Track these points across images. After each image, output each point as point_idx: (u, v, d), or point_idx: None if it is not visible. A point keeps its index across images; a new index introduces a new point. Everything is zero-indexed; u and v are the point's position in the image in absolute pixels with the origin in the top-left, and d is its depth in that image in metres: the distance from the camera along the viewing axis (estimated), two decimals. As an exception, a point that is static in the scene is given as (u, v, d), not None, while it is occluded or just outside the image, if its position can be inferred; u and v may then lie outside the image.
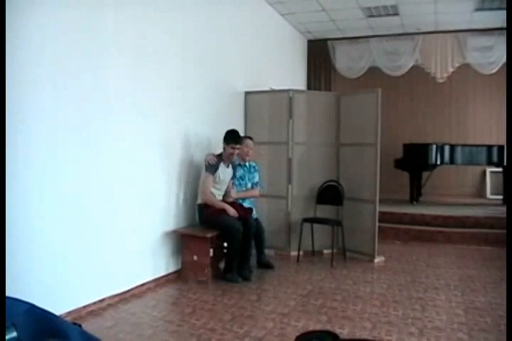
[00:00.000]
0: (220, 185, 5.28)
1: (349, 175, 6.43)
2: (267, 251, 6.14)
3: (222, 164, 5.23)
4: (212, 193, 5.19)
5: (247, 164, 5.76)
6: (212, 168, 5.14)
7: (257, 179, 5.82)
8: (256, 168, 5.85)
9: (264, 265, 5.59)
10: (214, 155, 5.26)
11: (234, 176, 5.51)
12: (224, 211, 5.06)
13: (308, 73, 10.18)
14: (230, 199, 5.38)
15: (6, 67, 3.02)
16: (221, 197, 5.34)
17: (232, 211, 5.09)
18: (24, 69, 3.34)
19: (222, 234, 5.08)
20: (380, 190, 6.06)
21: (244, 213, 5.22)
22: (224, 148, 5.28)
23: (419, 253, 6.63)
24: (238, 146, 5.27)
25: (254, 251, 5.57)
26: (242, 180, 5.72)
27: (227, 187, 5.42)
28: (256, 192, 5.82)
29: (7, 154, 3.07)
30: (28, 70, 3.38)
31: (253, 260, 5.55)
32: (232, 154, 5.25)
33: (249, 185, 5.76)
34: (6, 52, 3.01)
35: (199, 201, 5.24)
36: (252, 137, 5.90)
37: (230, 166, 5.40)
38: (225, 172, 5.28)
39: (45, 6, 3.49)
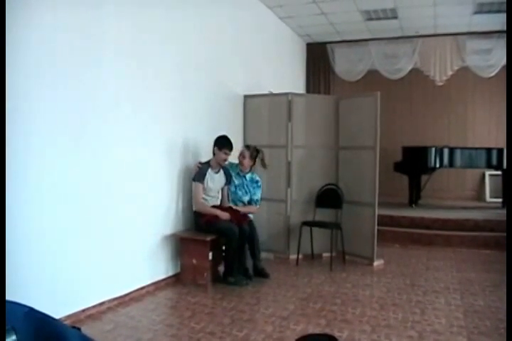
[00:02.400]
0: (212, 192, 5.27)
1: (348, 179, 6.43)
2: (267, 255, 6.15)
3: (210, 170, 5.21)
4: (205, 200, 5.19)
5: (246, 176, 5.66)
6: (199, 177, 5.14)
7: (258, 196, 5.68)
8: (259, 183, 5.70)
9: (259, 272, 5.39)
10: (200, 162, 5.28)
11: (228, 182, 5.47)
12: (217, 217, 5.06)
13: (307, 76, 10.17)
14: (226, 205, 5.38)
15: (5, 67, 3.04)
16: (217, 203, 5.35)
17: (224, 215, 5.07)
18: (23, 70, 3.34)
19: (219, 238, 5.08)
20: (379, 193, 6.06)
21: (239, 220, 5.16)
22: (214, 153, 5.26)
23: (418, 257, 6.63)
24: (231, 152, 5.26)
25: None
26: (240, 190, 5.62)
27: (223, 195, 5.43)
28: (254, 208, 5.69)
29: (7, 155, 3.07)
30: (27, 71, 3.38)
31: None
32: (224, 160, 5.26)
33: (245, 198, 5.63)
34: (5, 52, 3.03)
35: (194, 208, 5.24)
36: (254, 148, 5.73)
37: (221, 171, 5.37)
38: (214, 178, 5.25)
39: (44, 6, 3.49)
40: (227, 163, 5.42)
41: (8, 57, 3.07)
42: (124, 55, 4.36)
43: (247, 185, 5.65)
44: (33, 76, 3.42)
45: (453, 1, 7.29)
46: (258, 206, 5.76)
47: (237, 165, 5.68)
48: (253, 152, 5.64)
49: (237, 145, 5.83)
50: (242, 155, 5.62)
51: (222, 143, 5.22)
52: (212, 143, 5.26)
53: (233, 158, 5.59)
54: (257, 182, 5.70)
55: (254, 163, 5.67)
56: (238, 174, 5.65)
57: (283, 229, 6.46)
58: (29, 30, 3.38)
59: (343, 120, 6.54)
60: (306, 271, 5.78)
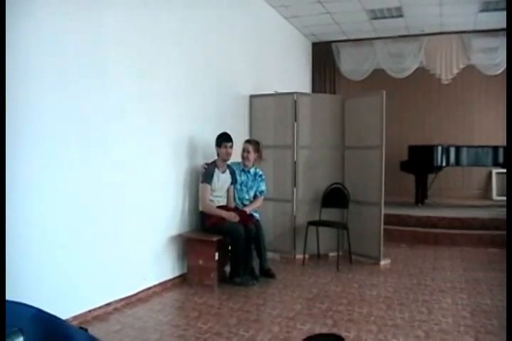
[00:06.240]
0: (218, 192, 5.28)
1: (354, 178, 6.43)
2: (273, 255, 6.16)
3: (216, 170, 5.22)
4: (211, 201, 5.20)
5: (251, 170, 5.71)
6: (207, 178, 5.16)
7: (262, 188, 5.76)
8: (262, 177, 5.77)
9: (265, 273, 5.39)
10: (206, 163, 5.30)
11: (234, 181, 5.49)
12: (224, 218, 5.07)
13: (312, 76, 10.16)
14: (232, 205, 5.40)
15: (6, 68, 3.05)
16: (224, 202, 5.36)
17: (231, 216, 5.08)
18: (24, 71, 3.35)
19: (226, 239, 5.09)
20: (386, 192, 6.04)
21: (245, 220, 5.17)
22: (218, 154, 5.29)
23: (424, 256, 6.62)
24: (230, 144, 5.27)
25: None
26: (245, 186, 5.67)
27: (229, 195, 5.44)
28: (260, 200, 5.74)
29: (8, 157, 3.09)
30: (28, 71, 3.38)
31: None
32: (227, 154, 5.26)
33: (251, 193, 5.70)
34: (5, 53, 3.04)
35: (200, 209, 5.26)
36: (255, 141, 5.85)
37: (227, 171, 5.39)
38: (221, 178, 5.26)
39: (45, 8, 3.49)
40: (229, 162, 5.43)
41: (8, 57, 3.09)
42: (129, 55, 4.37)
43: (251, 181, 5.70)
44: (34, 76, 3.42)
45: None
46: (263, 196, 5.80)
47: (239, 163, 5.70)
48: (256, 145, 5.71)
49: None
50: (246, 151, 5.65)
51: (219, 139, 5.27)
52: (217, 144, 5.29)
53: (237, 156, 5.63)
54: (260, 175, 5.77)
55: (258, 156, 5.72)
56: (243, 170, 5.69)
57: (289, 229, 6.46)
58: (29, 30, 3.39)
59: (349, 119, 6.53)
60: (312, 271, 5.77)
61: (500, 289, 4.96)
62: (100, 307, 4.06)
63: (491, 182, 10.91)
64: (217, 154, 5.29)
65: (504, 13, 7.36)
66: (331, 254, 6.38)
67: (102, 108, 4.07)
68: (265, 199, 5.88)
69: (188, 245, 5.15)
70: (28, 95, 3.36)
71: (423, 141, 10.35)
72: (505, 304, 4.42)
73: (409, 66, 9.26)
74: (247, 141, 5.79)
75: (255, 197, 5.73)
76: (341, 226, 6.08)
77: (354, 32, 9.16)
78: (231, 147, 5.28)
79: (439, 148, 8.95)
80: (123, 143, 4.32)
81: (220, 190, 5.28)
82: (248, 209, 5.50)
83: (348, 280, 5.33)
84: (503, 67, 8.62)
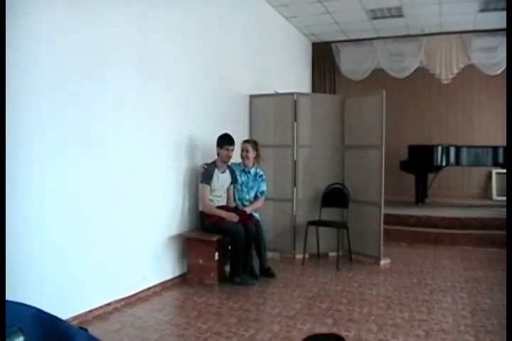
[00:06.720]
0: (218, 192, 5.29)
1: (354, 178, 6.43)
2: (273, 254, 6.17)
3: (216, 171, 5.23)
4: (211, 201, 5.21)
5: (251, 171, 5.72)
6: (206, 178, 5.16)
7: (263, 188, 5.78)
8: (263, 177, 5.79)
9: (265, 272, 5.39)
10: (206, 164, 5.30)
11: (234, 180, 5.50)
12: (223, 218, 5.07)
13: (312, 76, 10.17)
14: (233, 205, 5.42)
15: (6, 68, 3.06)
16: (224, 202, 5.37)
17: (230, 216, 5.09)
18: (24, 71, 3.35)
19: (225, 238, 5.09)
20: (386, 192, 6.05)
21: (244, 219, 5.18)
22: (218, 154, 5.29)
23: (424, 255, 6.62)
24: (232, 147, 5.28)
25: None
26: (245, 187, 5.69)
27: (228, 195, 5.45)
28: (260, 201, 5.76)
29: (8, 157, 3.10)
30: (28, 71, 3.39)
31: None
32: (227, 156, 5.27)
33: (252, 194, 5.72)
34: (5, 53, 3.05)
35: (200, 208, 5.26)
36: (253, 140, 5.91)
37: (227, 171, 5.39)
38: (220, 178, 5.27)
39: (45, 8, 3.49)
40: (230, 163, 5.43)
41: (8, 57, 3.09)
42: (129, 55, 4.37)
43: (252, 181, 5.71)
44: (34, 76, 3.42)
45: (458, -1, 7.28)
46: (264, 197, 5.82)
47: (239, 163, 5.71)
48: (254, 144, 5.73)
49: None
50: (245, 150, 5.66)
51: (221, 140, 5.27)
52: (217, 144, 5.29)
53: (236, 156, 5.64)
54: (261, 176, 5.78)
55: (257, 154, 5.73)
56: (243, 171, 5.69)
57: (289, 229, 6.45)
58: (29, 30, 3.38)
59: (349, 119, 6.53)
60: (312, 270, 5.78)
61: (500, 288, 4.96)
62: (100, 307, 4.06)
63: (490, 182, 10.90)
64: (218, 154, 5.29)
65: (504, 13, 7.38)
66: (331, 254, 6.38)
67: (102, 108, 4.06)
68: (265, 198, 5.88)
69: (188, 245, 5.15)
70: (28, 95, 3.36)
71: (423, 140, 10.34)
72: (505, 303, 4.43)
73: (409, 66, 9.27)
74: (246, 141, 5.80)
75: (256, 197, 5.74)
76: (341, 225, 6.08)
77: (354, 32, 9.16)
78: (232, 150, 5.29)
79: (439, 148, 8.95)
80: (123, 143, 4.32)
81: (219, 189, 5.28)
82: (248, 209, 5.51)
83: (348, 280, 5.33)
84: (503, 66, 8.62)
